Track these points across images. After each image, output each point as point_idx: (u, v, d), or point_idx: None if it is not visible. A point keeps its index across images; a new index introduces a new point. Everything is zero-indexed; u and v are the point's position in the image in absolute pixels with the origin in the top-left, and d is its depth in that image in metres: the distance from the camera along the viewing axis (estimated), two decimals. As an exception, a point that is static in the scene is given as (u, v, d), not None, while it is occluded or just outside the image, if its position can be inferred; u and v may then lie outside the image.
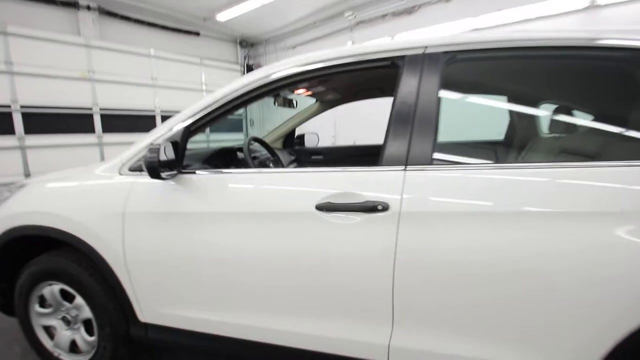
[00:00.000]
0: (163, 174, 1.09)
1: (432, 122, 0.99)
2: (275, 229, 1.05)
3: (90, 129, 4.95)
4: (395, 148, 1.00)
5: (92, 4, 5.04)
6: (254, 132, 7.31)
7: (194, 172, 1.19)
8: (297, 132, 2.57)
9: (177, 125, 1.23)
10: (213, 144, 6.35)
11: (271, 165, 1.90)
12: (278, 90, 1.23)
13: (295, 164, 2.38)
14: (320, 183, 1.05)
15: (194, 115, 1.23)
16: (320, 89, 2.08)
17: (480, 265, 0.89)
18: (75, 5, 4.93)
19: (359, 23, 5.66)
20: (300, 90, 2.15)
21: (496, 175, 0.93)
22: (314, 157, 2.53)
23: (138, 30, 5.62)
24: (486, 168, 0.96)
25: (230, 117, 6.84)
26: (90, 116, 4.95)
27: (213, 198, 1.15)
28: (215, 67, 6.63)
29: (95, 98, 4.96)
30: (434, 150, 0.97)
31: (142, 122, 5.39)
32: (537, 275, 0.85)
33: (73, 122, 4.74)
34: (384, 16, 5.40)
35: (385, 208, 0.95)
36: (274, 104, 2.28)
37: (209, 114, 1.22)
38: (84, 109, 4.85)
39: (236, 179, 1.17)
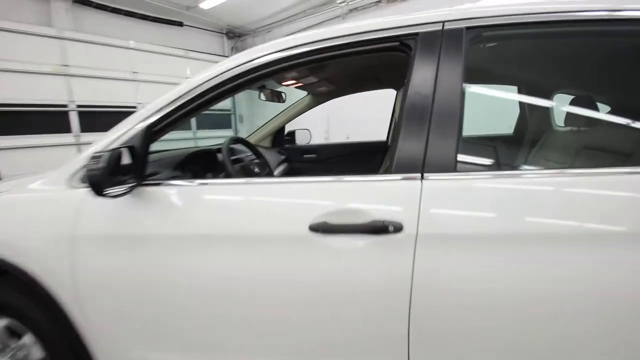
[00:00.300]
0: (108, 191, 0.86)
1: (455, 117, 0.79)
2: (258, 257, 0.84)
3: (67, 128, 4.63)
4: (409, 151, 0.79)
5: (64, -8, 4.70)
6: (244, 129, 7.03)
7: (160, 184, 0.97)
8: (288, 128, 2.35)
9: (138, 124, 1.00)
10: (200, 141, 6.07)
11: (256, 169, 1.67)
12: (263, 79, 1.00)
13: (285, 164, 2.16)
14: (314, 197, 0.84)
15: (158, 111, 1.00)
16: (312, 79, 1.85)
17: (525, 304, 0.69)
18: (45, -6, 4.58)
19: (351, 10, 5.42)
20: (290, 82, 1.92)
21: (544, 186, 0.72)
22: (306, 155, 2.32)
23: (116, 21, 5.28)
24: (529, 175, 0.76)
25: (217, 112, 6.56)
26: (66, 114, 4.63)
27: (180, 217, 0.92)
28: (201, 60, 6.34)
29: (71, 94, 4.64)
30: (458, 153, 0.77)
31: (123, 120, 5.08)
32: (606, 316, 0.66)
33: (48, 120, 4.45)
34: (377, 2, 5.16)
35: (398, 229, 0.75)
36: (259, 97, 2.03)
37: (176, 109, 0.99)
38: (58, 106, 4.54)
39: (211, 192, 0.95)
